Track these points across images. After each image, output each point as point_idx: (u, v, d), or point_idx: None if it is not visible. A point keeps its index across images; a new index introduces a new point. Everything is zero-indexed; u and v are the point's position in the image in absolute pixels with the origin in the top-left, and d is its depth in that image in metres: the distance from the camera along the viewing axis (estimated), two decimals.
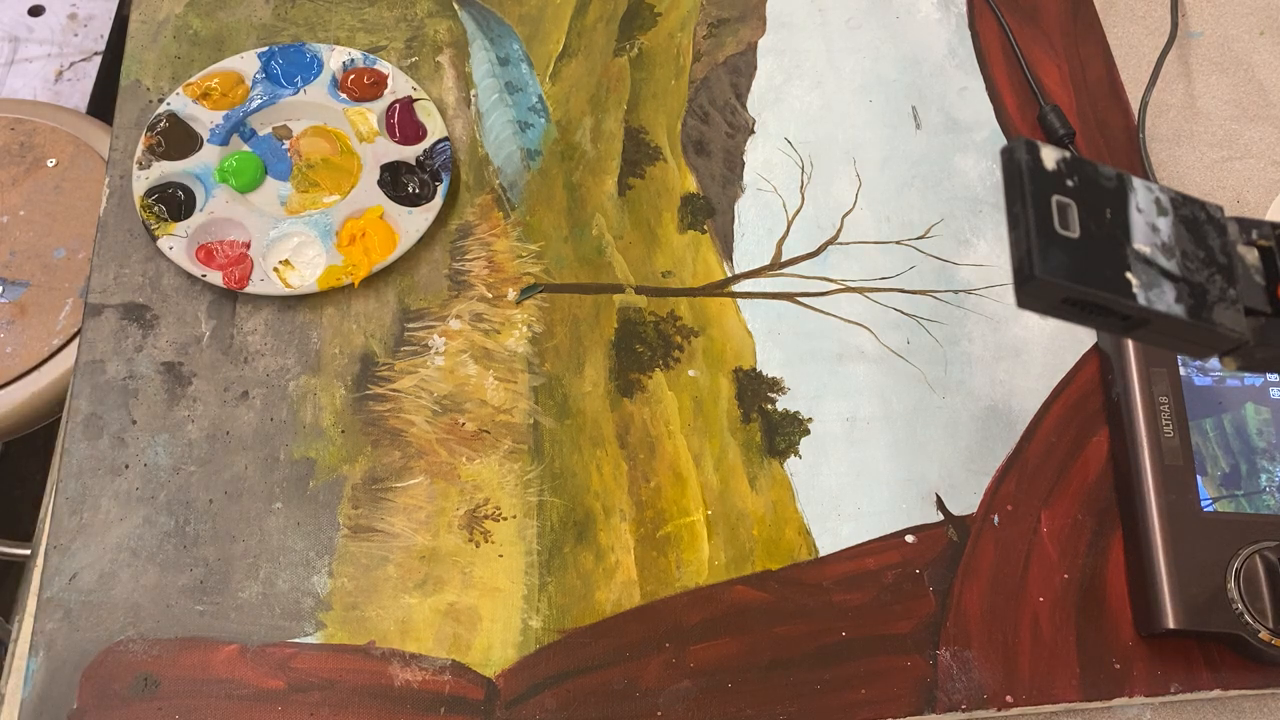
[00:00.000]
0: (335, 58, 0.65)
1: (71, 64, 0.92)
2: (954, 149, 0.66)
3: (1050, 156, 0.36)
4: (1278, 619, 0.50)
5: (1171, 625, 0.50)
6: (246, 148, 0.62)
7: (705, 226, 0.62)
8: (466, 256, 0.60)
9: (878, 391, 0.58)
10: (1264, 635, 0.50)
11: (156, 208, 0.59)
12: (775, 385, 0.58)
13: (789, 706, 0.50)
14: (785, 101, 0.67)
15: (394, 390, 0.56)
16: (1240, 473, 0.54)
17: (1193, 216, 0.38)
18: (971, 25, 0.71)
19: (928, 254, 0.62)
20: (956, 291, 0.61)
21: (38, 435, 0.77)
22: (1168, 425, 0.54)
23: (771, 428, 0.57)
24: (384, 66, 0.65)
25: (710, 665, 0.51)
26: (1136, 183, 0.37)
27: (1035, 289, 0.35)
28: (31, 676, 0.49)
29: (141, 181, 0.60)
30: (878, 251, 0.62)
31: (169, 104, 0.62)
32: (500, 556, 0.52)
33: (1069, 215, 0.36)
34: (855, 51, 0.69)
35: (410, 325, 0.58)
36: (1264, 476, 0.54)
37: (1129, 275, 0.36)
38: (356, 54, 0.65)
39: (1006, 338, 0.60)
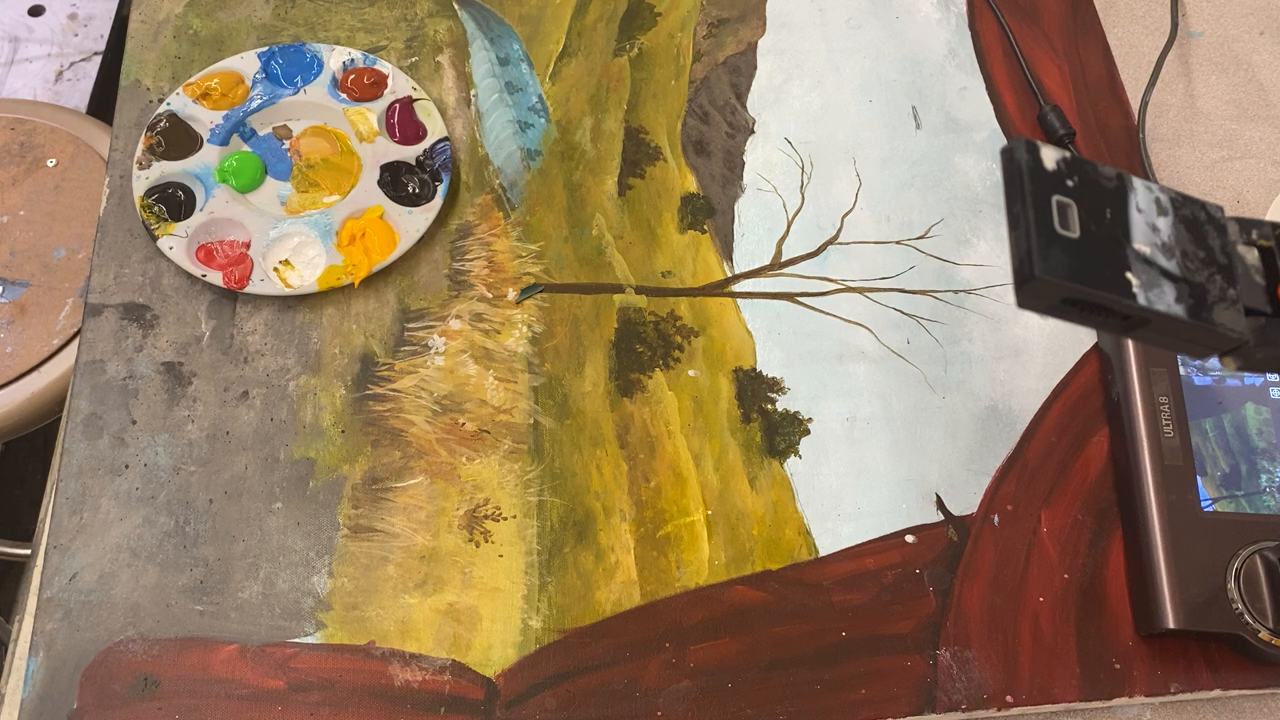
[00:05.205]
0: (335, 58, 0.65)
1: (71, 64, 0.92)
2: (954, 149, 0.66)
3: (1050, 156, 0.36)
4: (1278, 619, 0.50)
5: (1171, 625, 0.50)
6: (246, 148, 0.62)
7: (705, 226, 0.62)
8: (466, 256, 0.60)
9: (878, 391, 0.58)
10: (1264, 635, 0.50)
11: (156, 208, 0.59)
12: (775, 385, 0.58)
13: (789, 706, 0.50)
14: (785, 101, 0.67)
15: (394, 390, 0.56)
16: (1240, 473, 0.54)
17: (1193, 216, 0.38)
18: (971, 25, 0.71)
19: (928, 254, 0.62)
20: (956, 291, 0.61)
21: (38, 435, 0.77)
22: (1168, 425, 0.54)
23: (771, 428, 0.57)
24: (384, 66, 0.65)
25: (710, 665, 0.51)
26: (1136, 183, 0.37)
27: (1035, 289, 0.35)
28: (31, 676, 0.49)
29: (141, 181, 0.60)
30: (878, 251, 0.62)
31: (169, 104, 0.62)
32: (500, 556, 0.52)
33: (1069, 215, 0.36)
34: (855, 51, 0.69)
35: (410, 325, 0.58)
36: (1264, 476, 0.54)
37: (1129, 275, 0.36)
38: (356, 54, 0.65)
39: (1006, 338, 0.60)
